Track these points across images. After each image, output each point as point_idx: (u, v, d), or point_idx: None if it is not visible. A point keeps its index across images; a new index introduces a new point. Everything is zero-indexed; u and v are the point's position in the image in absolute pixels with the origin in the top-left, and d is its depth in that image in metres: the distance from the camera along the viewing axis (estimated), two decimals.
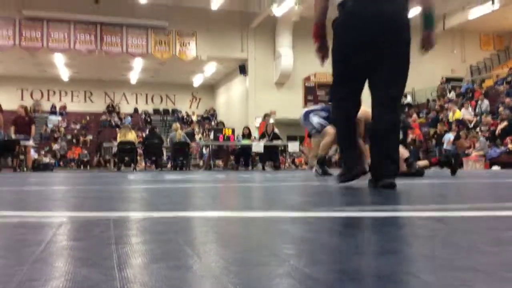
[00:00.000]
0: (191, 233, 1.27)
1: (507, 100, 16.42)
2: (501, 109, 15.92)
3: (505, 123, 14.67)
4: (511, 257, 0.88)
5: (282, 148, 14.65)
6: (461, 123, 16.44)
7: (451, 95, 21.35)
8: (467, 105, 18.06)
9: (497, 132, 14.56)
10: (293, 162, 16.16)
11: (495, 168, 12.53)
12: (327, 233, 1.25)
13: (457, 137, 15.16)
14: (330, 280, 0.70)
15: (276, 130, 14.39)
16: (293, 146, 14.60)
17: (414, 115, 19.42)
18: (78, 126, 26.65)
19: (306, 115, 6.72)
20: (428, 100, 22.81)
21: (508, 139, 13.96)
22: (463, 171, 11.23)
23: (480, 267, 0.78)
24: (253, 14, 22.00)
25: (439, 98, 21.55)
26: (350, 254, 0.92)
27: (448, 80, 23.49)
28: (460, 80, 23.93)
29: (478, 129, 15.75)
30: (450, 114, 17.84)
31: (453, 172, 5.94)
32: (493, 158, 13.28)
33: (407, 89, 20.32)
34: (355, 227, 1.38)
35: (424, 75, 23.53)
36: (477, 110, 17.70)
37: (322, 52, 3.21)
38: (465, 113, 17.44)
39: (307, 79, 23.81)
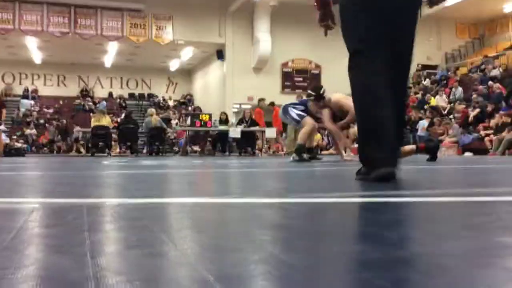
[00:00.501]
0: (166, 220, 1.26)
1: (480, 87, 16.75)
2: (474, 96, 16.25)
3: (477, 110, 14.98)
4: (484, 242, 0.90)
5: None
6: (435, 109, 16.72)
7: (426, 82, 21.67)
8: (441, 92, 18.37)
9: (470, 119, 14.86)
10: (270, 148, 16.20)
11: (468, 154, 12.80)
12: (303, 219, 1.25)
13: (431, 124, 15.41)
14: (305, 266, 0.70)
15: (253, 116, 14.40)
16: (271, 132, 14.62)
17: None
18: (51, 111, 26.11)
19: (285, 109, 7.03)
20: None
21: (480, 126, 14.27)
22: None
23: (455, 252, 0.79)
24: None
25: (415, 85, 21.85)
26: (326, 240, 0.92)
27: (424, 67, 23.80)
28: (435, 67, 24.27)
29: (451, 116, 16.04)
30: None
31: (433, 159, 6.04)
32: (465, 145, 13.57)
33: None
34: (332, 212, 1.38)
35: None
36: (451, 97, 18.02)
37: (326, 21, 2.81)
38: (439, 100, 17.73)
39: (285, 64, 23.80)
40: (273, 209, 1.44)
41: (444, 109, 17.06)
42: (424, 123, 15.79)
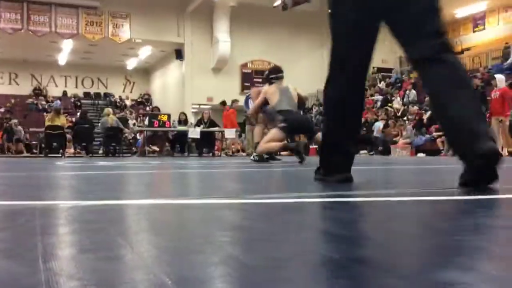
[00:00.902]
0: (122, 222, 1.23)
1: None
2: (427, 99, 16.78)
3: (430, 113, 15.50)
4: (442, 240, 0.92)
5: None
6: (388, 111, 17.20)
7: (381, 84, 22.24)
8: (396, 94, 18.90)
9: (425, 121, 15.36)
10: (230, 148, 16.18)
11: (420, 155, 13.20)
12: (262, 220, 1.25)
13: (386, 126, 15.82)
14: (265, 267, 0.70)
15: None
16: (230, 133, 14.61)
17: None
18: (2, 110, 25.11)
19: (247, 99, 7.07)
20: None
21: (432, 128, 14.77)
22: (391, 157, 11.74)
23: (412, 251, 0.81)
24: None
25: (370, 87, 22.37)
26: (286, 241, 0.92)
27: (379, 70, 24.42)
28: (390, 70, 24.94)
29: (405, 118, 16.52)
30: (379, 103, 18.62)
31: (385, 152, 6.23)
32: (418, 146, 13.99)
33: None
34: (291, 213, 1.39)
35: None
36: (405, 99, 18.56)
37: None
38: (394, 102, 18.24)
39: (244, 65, 23.84)
40: (233, 210, 1.43)
41: (398, 111, 17.54)
42: (379, 124, 16.18)
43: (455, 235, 0.97)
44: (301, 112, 6.61)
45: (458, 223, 1.15)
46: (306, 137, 6.60)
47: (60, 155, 13.16)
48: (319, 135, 5.81)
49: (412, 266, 0.71)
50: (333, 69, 2.32)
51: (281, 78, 6.44)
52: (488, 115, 11.45)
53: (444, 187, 2.35)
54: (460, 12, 24.73)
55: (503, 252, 0.80)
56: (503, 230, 1.05)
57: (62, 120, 13.45)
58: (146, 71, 29.22)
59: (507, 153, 10.67)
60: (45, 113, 19.40)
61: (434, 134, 12.20)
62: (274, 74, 6.48)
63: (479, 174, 1.81)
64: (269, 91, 6.21)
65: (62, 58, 25.98)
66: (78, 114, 17.50)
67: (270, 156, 6.69)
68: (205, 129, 13.76)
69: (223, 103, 15.28)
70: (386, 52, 26.42)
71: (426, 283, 0.60)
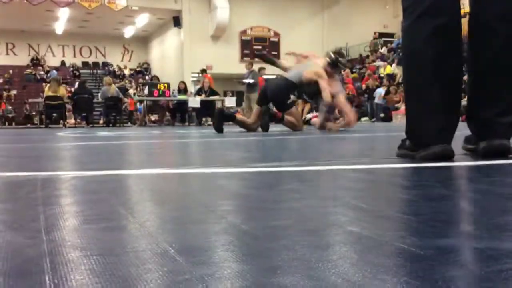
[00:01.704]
0: (124, 192, 1.23)
1: None
2: None
3: None
4: (440, 206, 0.92)
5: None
6: (391, 78, 17.03)
7: (383, 50, 21.97)
8: (398, 60, 18.67)
9: None
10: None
11: None
12: (263, 188, 1.26)
13: (387, 92, 15.73)
14: (267, 235, 0.70)
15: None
16: (230, 101, 14.55)
17: (347, 70, 19.86)
18: (1, 81, 24.98)
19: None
20: (360, 55, 23.36)
21: None
22: (392, 124, 11.73)
23: (412, 217, 0.81)
24: None
25: (371, 53, 22.12)
26: (286, 210, 0.92)
27: (381, 35, 24.07)
28: (392, 35, 24.61)
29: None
30: (381, 69, 18.43)
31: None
32: None
33: (341, 44, 20.37)
34: (291, 181, 1.39)
35: (357, 31, 24.01)
36: None
37: None
38: (395, 69, 18.07)
39: (244, 32, 23.53)
40: (234, 179, 1.43)
41: (396, 76, 17.41)
42: (380, 90, 16.09)
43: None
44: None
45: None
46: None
47: (60, 125, 13.16)
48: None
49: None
50: None
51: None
52: None
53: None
54: None
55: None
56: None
57: (61, 91, 13.38)
58: (144, 40, 28.90)
59: None
60: (43, 83, 19.27)
61: None
62: (342, 65, 6.05)
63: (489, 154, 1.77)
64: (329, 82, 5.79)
65: (59, 27, 25.67)
66: (77, 84, 17.40)
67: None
68: (205, 98, 13.70)
69: (203, 70, 15.11)
70: (388, 17, 26.09)
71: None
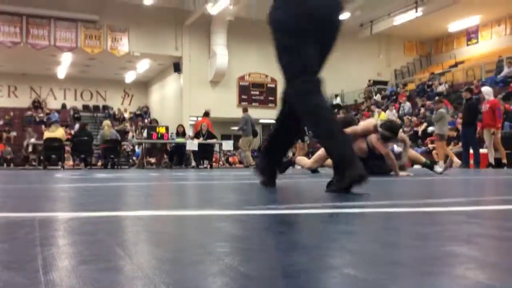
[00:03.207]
0: (122, 234, 1.23)
1: (428, 103, 17.48)
2: (422, 111, 16.92)
3: (425, 125, 15.59)
4: (433, 251, 0.93)
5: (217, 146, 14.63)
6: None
7: (377, 97, 22.35)
8: (391, 107, 18.99)
9: (420, 133, 15.42)
10: (227, 161, 16.15)
11: (417, 166, 13.20)
12: (261, 230, 1.26)
13: None
14: (264, 277, 0.71)
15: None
16: (227, 145, 14.62)
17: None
18: (1, 122, 25.12)
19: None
20: (355, 101, 23.77)
21: (428, 140, 14.83)
22: None
23: (405, 262, 0.82)
24: (187, 11, 21.76)
25: (366, 100, 22.48)
26: (283, 251, 0.93)
27: (375, 83, 24.60)
28: (385, 83, 25.13)
29: (401, 130, 16.60)
30: (376, 115, 18.70)
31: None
32: None
33: (336, 91, 20.91)
34: (287, 224, 1.40)
35: (352, 78, 24.52)
36: (400, 112, 18.66)
37: None
38: (389, 115, 18.32)
39: (242, 78, 23.93)
40: (231, 221, 1.44)
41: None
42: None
43: (448, 246, 0.98)
44: None
45: (450, 234, 1.16)
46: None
47: (59, 167, 13.14)
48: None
49: (409, 277, 0.71)
50: None
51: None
52: (479, 127, 11.51)
53: (437, 198, 2.35)
54: (454, 26, 25.02)
55: None
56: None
57: (61, 132, 13.46)
58: (144, 84, 29.32)
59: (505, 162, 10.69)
60: (43, 126, 19.38)
61: (430, 146, 12.24)
62: (393, 136, 5.98)
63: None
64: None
65: (61, 71, 26.06)
66: (77, 125, 17.52)
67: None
68: (203, 141, 13.78)
69: (206, 113, 15.29)
70: (381, 66, 26.71)
71: None
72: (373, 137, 5.77)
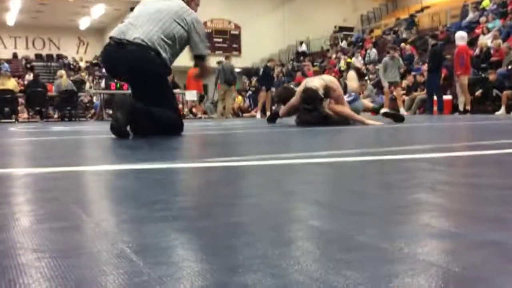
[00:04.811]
0: (79, 190, 1.19)
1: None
2: (385, 58, 17.01)
3: None
4: (400, 199, 0.94)
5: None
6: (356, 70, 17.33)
7: (343, 44, 22.29)
8: (357, 54, 19.02)
9: None
10: (190, 111, 15.96)
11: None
12: (224, 183, 1.24)
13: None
14: (226, 233, 0.69)
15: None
16: (191, 95, 14.41)
17: (309, 63, 20.09)
18: None
19: None
20: (322, 48, 23.64)
21: (392, 87, 15.04)
22: None
23: (372, 211, 0.82)
24: None
25: (332, 47, 22.40)
26: (246, 206, 0.91)
27: (341, 29, 24.41)
28: (351, 29, 24.99)
29: (366, 77, 16.73)
30: (342, 62, 18.76)
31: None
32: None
33: (302, 38, 20.66)
34: (251, 176, 1.39)
35: (317, 25, 24.26)
36: (366, 59, 18.73)
37: None
38: (355, 62, 18.39)
39: (204, 24, 23.32)
40: (191, 174, 1.41)
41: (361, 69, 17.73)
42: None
43: (414, 193, 0.98)
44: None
45: (417, 182, 1.18)
46: None
47: (12, 120, 12.69)
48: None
49: (377, 225, 0.71)
50: None
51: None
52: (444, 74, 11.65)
53: (402, 145, 2.39)
54: None
55: None
56: None
57: (12, 84, 12.90)
58: (100, 31, 28.17)
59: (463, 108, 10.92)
60: None
61: (395, 93, 12.40)
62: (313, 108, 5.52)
63: None
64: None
65: (11, 18, 24.69)
66: (30, 76, 16.82)
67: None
68: None
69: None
70: (347, 11, 26.50)
71: (389, 240, 0.60)
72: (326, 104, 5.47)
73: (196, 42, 3.65)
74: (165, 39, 3.48)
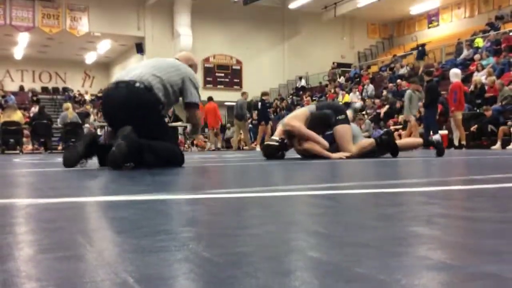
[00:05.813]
0: (83, 220, 1.20)
1: (390, 85, 17.81)
2: (384, 93, 17.24)
3: (387, 107, 15.90)
4: (397, 231, 0.94)
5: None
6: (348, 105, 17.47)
7: (341, 79, 22.59)
8: (355, 89, 19.26)
9: (382, 115, 15.71)
10: (192, 143, 16.04)
11: None
12: (226, 214, 1.25)
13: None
14: (228, 263, 0.70)
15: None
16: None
17: (308, 98, 20.30)
18: None
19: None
20: (320, 83, 23.96)
21: (390, 121, 15.14)
22: None
23: (370, 243, 0.82)
24: None
25: (330, 82, 22.69)
26: (247, 236, 0.92)
27: (339, 65, 24.83)
28: (349, 65, 25.40)
29: (364, 112, 16.88)
30: (340, 97, 18.95)
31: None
32: None
33: (301, 73, 20.95)
34: (252, 207, 1.39)
35: (316, 61, 24.65)
36: (363, 94, 18.95)
37: None
38: (353, 97, 18.58)
39: (207, 60, 23.68)
40: (196, 205, 1.42)
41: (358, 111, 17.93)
42: None
43: (411, 226, 0.99)
44: None
45: (413, 214, 1.19)
46: None
47: (17, 151, 12.74)
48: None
49: (374, 257, 0.72)
50: None
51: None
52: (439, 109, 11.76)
53: (400, 178, 2.40)
54: (415, 9, 25.45)
55: None
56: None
57: (18, 116, 13.02)
58: (106, 66, 28.62)
59: (457, 144, 10.99)
60: (0, 109, 18.69)
61: (392, 127, 12.48)
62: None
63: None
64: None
65: (18, 52, 25.12)
66: (36, 108, 16.98)
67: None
68: (169, 124, 13.60)
69: (210, 98, 15.19)
70: (345, 48, 26.95)
71: (387, 274, 0.61)
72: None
73: (190, 90, 3.73)
74: (157, 75, 3.60)
